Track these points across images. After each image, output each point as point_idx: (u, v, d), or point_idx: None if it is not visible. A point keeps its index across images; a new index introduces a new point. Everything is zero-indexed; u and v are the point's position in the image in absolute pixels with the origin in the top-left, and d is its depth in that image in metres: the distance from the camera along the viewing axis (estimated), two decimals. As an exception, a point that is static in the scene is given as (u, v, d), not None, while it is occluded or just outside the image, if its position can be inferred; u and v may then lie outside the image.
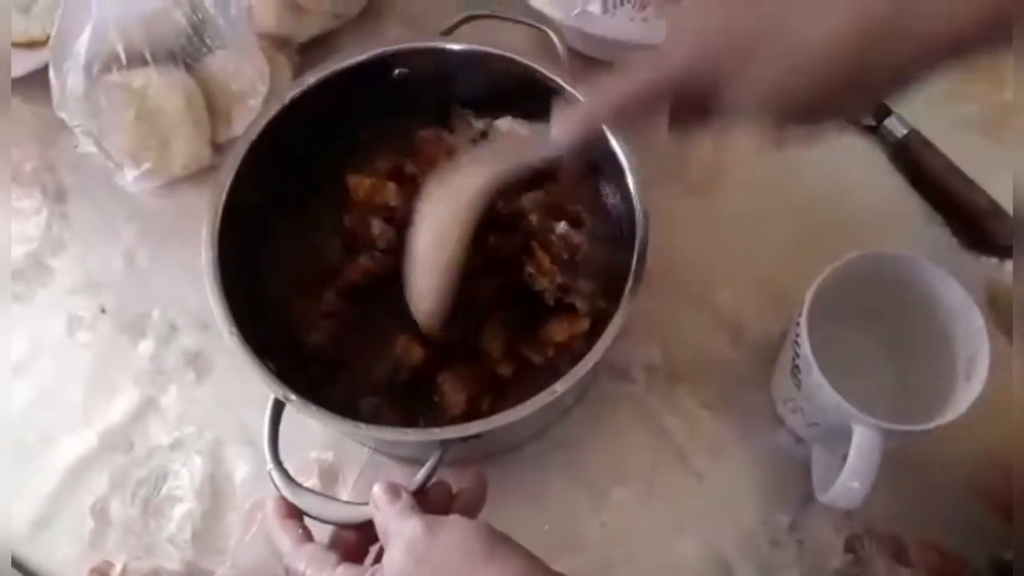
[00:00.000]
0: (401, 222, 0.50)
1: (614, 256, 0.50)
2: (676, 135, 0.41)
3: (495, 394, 0.50)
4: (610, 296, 0.46)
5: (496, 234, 0.50)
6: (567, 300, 0.50)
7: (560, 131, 0.41)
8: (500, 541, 0.37)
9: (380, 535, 0.41)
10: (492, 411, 0.45)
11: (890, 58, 0.33)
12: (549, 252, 0.50)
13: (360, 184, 0.54)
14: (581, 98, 0.41)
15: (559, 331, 0.50)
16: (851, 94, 0.36)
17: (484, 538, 0.37)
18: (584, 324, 0.50)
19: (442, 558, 0.37)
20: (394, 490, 0.41)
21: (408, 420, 0.50)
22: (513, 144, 0.46)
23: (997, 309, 0.57)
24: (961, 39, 0.32)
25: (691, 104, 0.39)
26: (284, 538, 0.43)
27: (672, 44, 0.38)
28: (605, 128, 0.41)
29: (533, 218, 0.52)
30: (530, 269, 0.50)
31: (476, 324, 0.51)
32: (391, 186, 0.53)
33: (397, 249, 0.48)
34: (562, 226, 0.51)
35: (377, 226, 0.52)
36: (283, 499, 0.44)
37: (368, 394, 0.50)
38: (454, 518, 0.39)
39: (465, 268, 0.46)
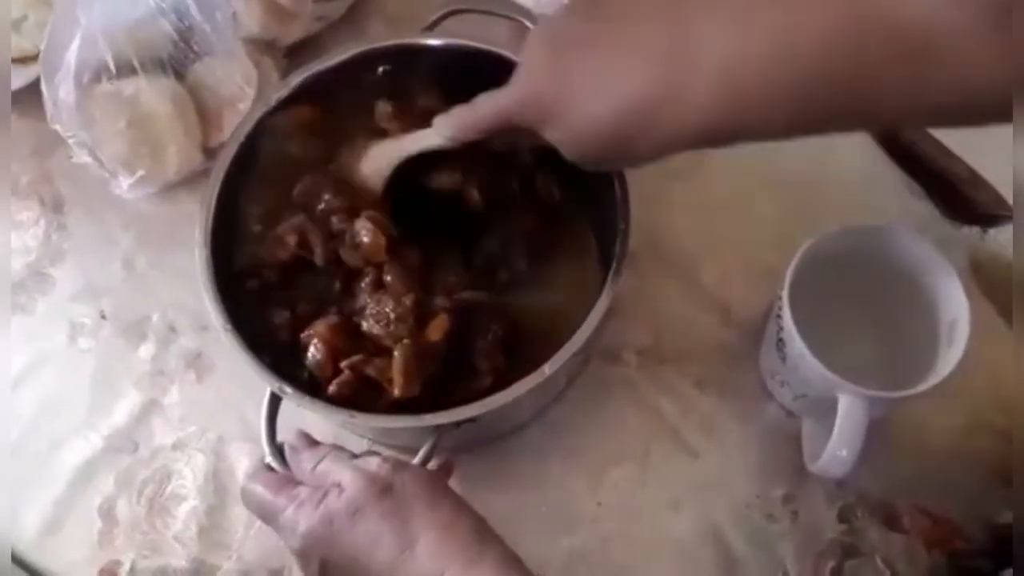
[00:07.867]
0: None
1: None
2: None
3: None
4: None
5: None
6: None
7: (444, 126, 0.47)
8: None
9: (306, 476, 0.44)
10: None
11: (647, 140, 0.39)
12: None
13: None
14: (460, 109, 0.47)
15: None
16: (622, 158, 0.44)
17: (444, 484, 0.43)
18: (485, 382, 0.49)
19: (407, 488, 0.41)
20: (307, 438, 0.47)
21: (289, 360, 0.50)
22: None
23: (982, 277, 0.58)
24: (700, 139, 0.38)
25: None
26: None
27: (516, 84, 0.43)
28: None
29: None
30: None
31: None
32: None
33: None
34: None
35: None
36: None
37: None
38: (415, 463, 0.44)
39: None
